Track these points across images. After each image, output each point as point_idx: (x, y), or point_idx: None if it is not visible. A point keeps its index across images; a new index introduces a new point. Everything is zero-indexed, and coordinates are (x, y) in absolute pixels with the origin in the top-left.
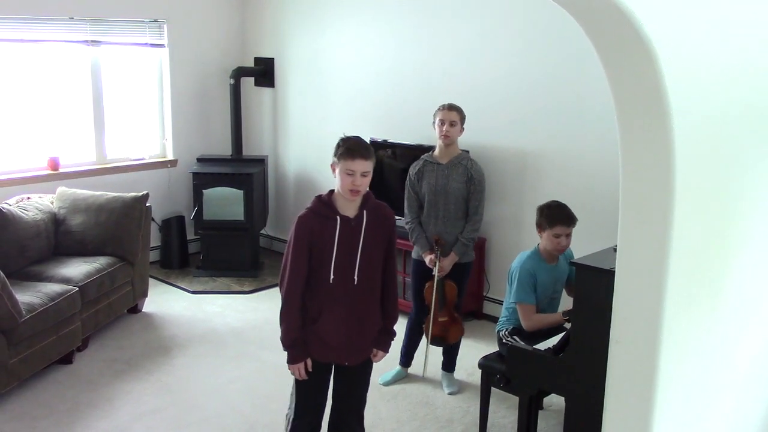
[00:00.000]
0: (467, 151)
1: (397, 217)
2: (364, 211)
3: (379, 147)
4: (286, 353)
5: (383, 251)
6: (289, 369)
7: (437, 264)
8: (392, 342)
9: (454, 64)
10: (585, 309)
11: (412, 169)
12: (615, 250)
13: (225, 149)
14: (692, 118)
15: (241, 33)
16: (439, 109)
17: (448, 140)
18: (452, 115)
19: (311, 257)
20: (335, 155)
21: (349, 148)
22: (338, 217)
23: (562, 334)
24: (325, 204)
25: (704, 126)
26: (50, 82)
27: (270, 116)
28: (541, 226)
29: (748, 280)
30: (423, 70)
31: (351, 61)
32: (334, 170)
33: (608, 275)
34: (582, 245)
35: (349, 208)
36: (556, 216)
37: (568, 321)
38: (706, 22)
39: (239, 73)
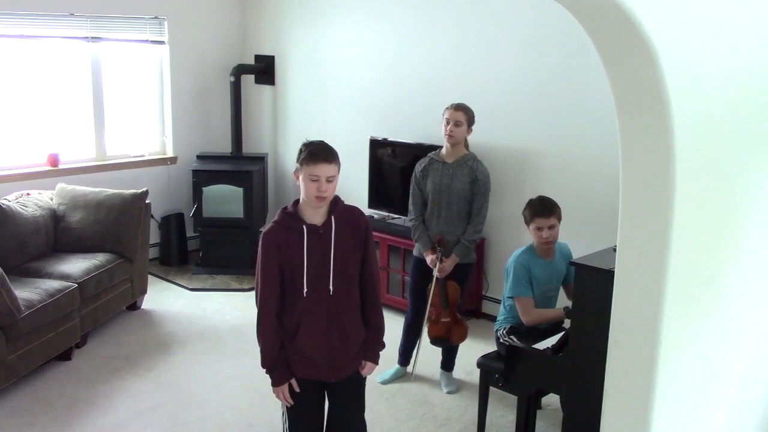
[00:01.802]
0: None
1: (400, 216)
2: (332, 217)
3: (379, 145)
4: (268, 377)
5: (359, 257)
6: (274, 392)
7: (438, 265)
8: (381, 352)
9: (455, 62)
10: (584, 309)
11: (418, 166)
12: (615, 250)
13: (225, 147)
14: (693, 117)
15: (242, 30)
16: (446, 108)
17: (453, 140)
18: (458, 115)
19: (283, 272)
20: (297, 161)
21: (312, 152)
22: (304, 227)
23: (561, 333)
24: (290, 215)
25: (705, 125)
26: (50, 78)
27: (270, 114)
28: (526, 223)
29: (748, 280)
30: (423, 68)
31: (351, 60)
32: (297, 177)
33: (608, 275)
34: (582, 245)
35: (315, 215)
36: (533, 209)
37: (569, 317)
38: (706, 21)
39: (239, 70)
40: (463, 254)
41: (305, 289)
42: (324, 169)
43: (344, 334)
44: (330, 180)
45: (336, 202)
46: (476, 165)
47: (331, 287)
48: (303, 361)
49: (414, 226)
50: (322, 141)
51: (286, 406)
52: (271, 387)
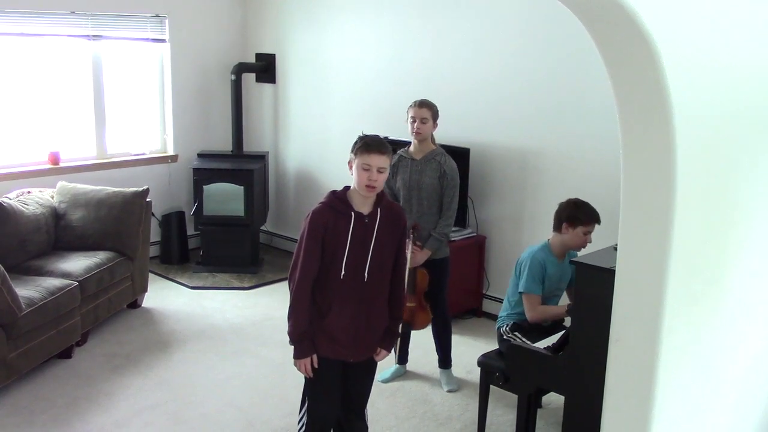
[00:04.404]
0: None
1: None
2: (378, 209)
3: None
4: (292, 348)
5: (394, 251)
6: (296, 365)
7: (410, 251)
8: (396, 342)
9: (455, 61)
10: (585, 308)
11: None
12: (615, 248)
13: (226, 145)
14: (694, 116)
15: (243, 29)
16: (410, 105)
17: (420, 137)
18: (423, 112)
19: (323, 252)
20: (352, 151)
21: (366, 143)
22: (352, 213)
23: (562, 332)
24: (339, 199)
25: (706, 125)
26: (51, 76)
27: (271, 112)
28: (572, 222)
29: (749, 280)
30: (424, 67)
31: (352, 58)
32: (350, 166)
33: (608, 274)
34: None
35: (363, 205)
36: (592, 214)
37: (570, 315)
38: (708, 20)
39: (240, 68)
40: (434, 248)
41: (342, 273)
42: (376, 160)
43: (370, 321)
44: (381, 171)
45: (382, 196)
46: (444, 160)
47: (366, 274)
48: (328, 341)
49: None
50: (377, 135)
51: (309, 384)
52: (293, 359)
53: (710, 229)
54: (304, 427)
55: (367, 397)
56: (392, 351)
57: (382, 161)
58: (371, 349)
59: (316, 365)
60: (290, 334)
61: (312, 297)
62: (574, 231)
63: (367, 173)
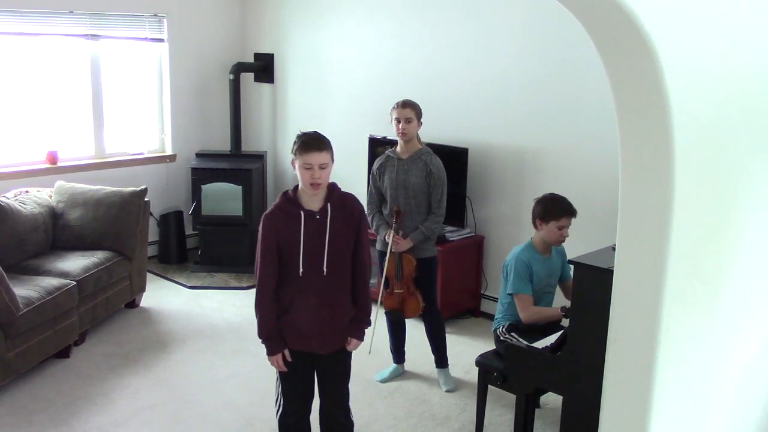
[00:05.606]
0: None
1: None
2: (329, 204)
3: (378, 144)
4: (263, 346)
5: (352, 240)
6: (269, 361)
7: (392, 236)
8: (366, 329)
9: (454, 61)
10: (583, 307)
11: (375, 164)
12: (614, 248)
13: (224, 145)
14: (692, 117)
15: (241, 28)
16: (393, 107)
17: (406, 137)
18: (407, 113)
19: (280, 252)
20: (292, 151)
21: (304, 141)
22: (302, 212)
23: (560, 332)
24: (289, 200)
25: (704, 125)
26: (50, 75)
27: (269, 112)
28: (544, 218)
29: (747, 280)
30: (422, 67)
31: (350, 58)
32: (294, 166)
33: (607, 274)
34: (581, 244)
35: (313, 201)
36: (562, 208)
37: (566, 317)
38: (707, 21)
39: (239, 68)
40: (417, 239)
41: (301, 269)
42: (316, 157)
43: (334, 311)
44: (323, 167)
45: (333, 189)
46: (430, 159)
47: (324, 268)
48: (295, 334)
49: (371, 218)
50: (315, 131)
51: (280, 374)
52: (266, 356)
53: (709, 229)
54: (281, 409)
55: (346, 390)
56: (364, 339)
57: (322, 158)
58: (340, 340)
59: (289, 359)
60: (258, 331)
61: (276, 294)
62: (548, 226)
63: (310, 172)
